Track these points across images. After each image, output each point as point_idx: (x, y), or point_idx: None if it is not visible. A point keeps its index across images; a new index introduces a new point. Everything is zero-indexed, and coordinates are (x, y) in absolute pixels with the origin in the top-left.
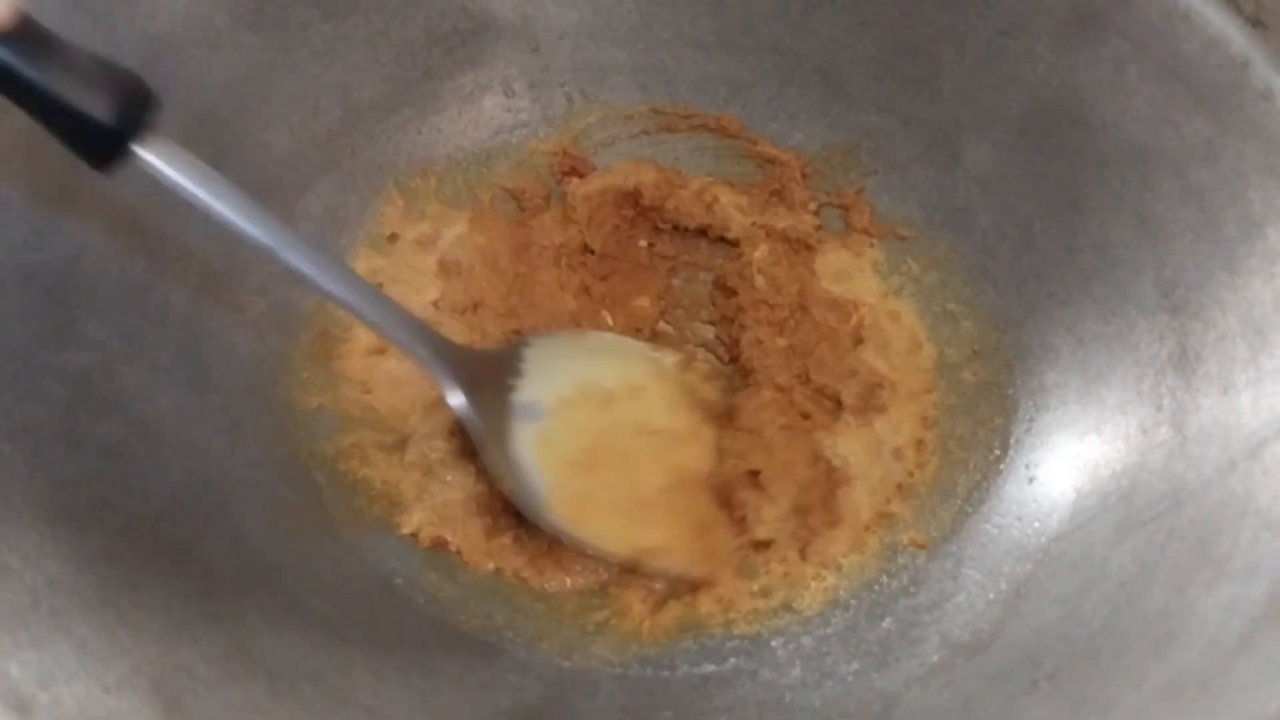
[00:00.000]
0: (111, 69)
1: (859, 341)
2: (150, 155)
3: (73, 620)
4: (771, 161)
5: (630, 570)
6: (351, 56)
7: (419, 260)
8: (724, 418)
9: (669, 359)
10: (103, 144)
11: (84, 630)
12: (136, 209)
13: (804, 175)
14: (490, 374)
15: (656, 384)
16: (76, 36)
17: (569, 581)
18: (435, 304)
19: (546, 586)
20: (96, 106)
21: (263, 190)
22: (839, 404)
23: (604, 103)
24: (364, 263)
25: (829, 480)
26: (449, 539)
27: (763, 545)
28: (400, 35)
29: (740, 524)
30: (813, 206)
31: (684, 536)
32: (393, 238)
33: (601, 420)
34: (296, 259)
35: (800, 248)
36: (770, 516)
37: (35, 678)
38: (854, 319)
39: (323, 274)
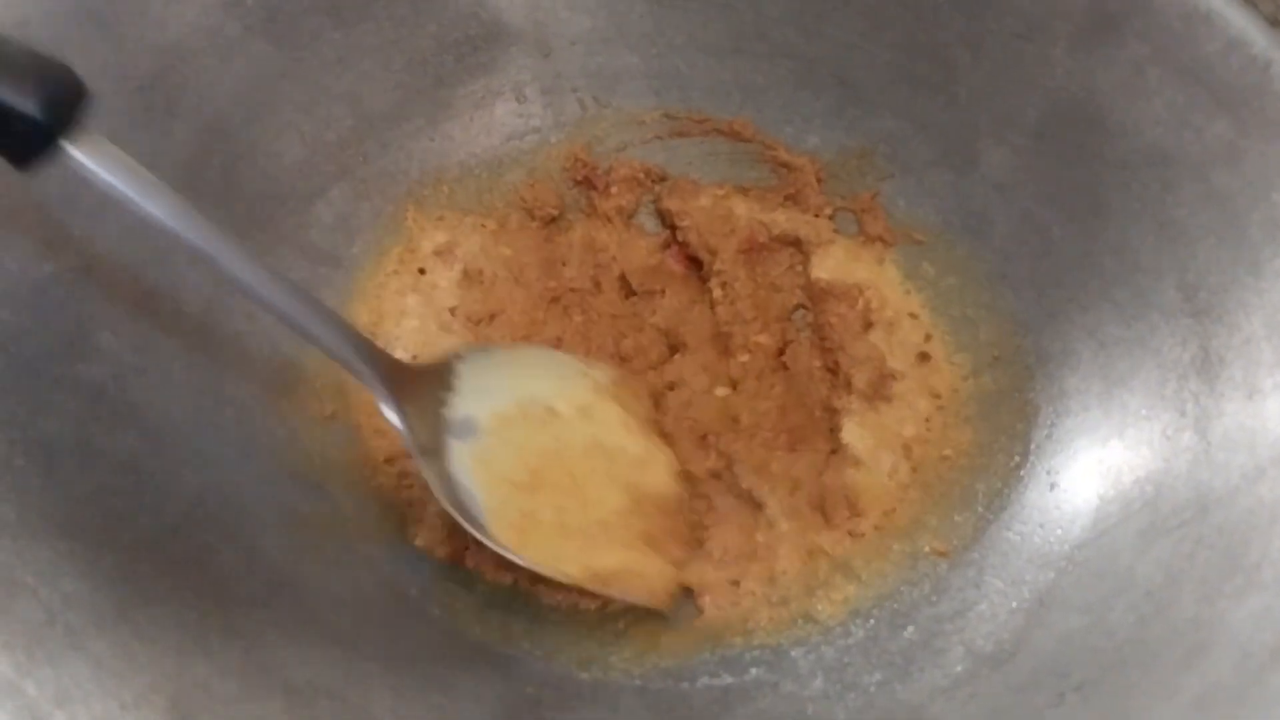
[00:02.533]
0: (40, 60)
1: (869, 325)
2: (80, 153)
3: (89, 637)
4: (786, 166)
5: (590, 595)
6: (363, 64)
7: (438, 269)
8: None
9: (604, 375)
10: (29, 140)
11: (100, 647)
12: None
13: (819, 180)
14: (424, 388)
15: (606, 402)
16: (86, 46)
17: (592, 599)
18: (452, 311)
19: (562, 601)
20: (22, 99)
21: (274, 198)
22: (849, 385)
23: (617, 108)
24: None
25: (838, 462)
26: (466, 556)
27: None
28: (412, 43)
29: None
30: (828, 211)
31: (645, 559)
32: (421, 271)
33: (545, 438)
34: (231, 263)
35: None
36: (777, 508)
37: (52, 696)
38: (860, 302)
39: (256, 279)
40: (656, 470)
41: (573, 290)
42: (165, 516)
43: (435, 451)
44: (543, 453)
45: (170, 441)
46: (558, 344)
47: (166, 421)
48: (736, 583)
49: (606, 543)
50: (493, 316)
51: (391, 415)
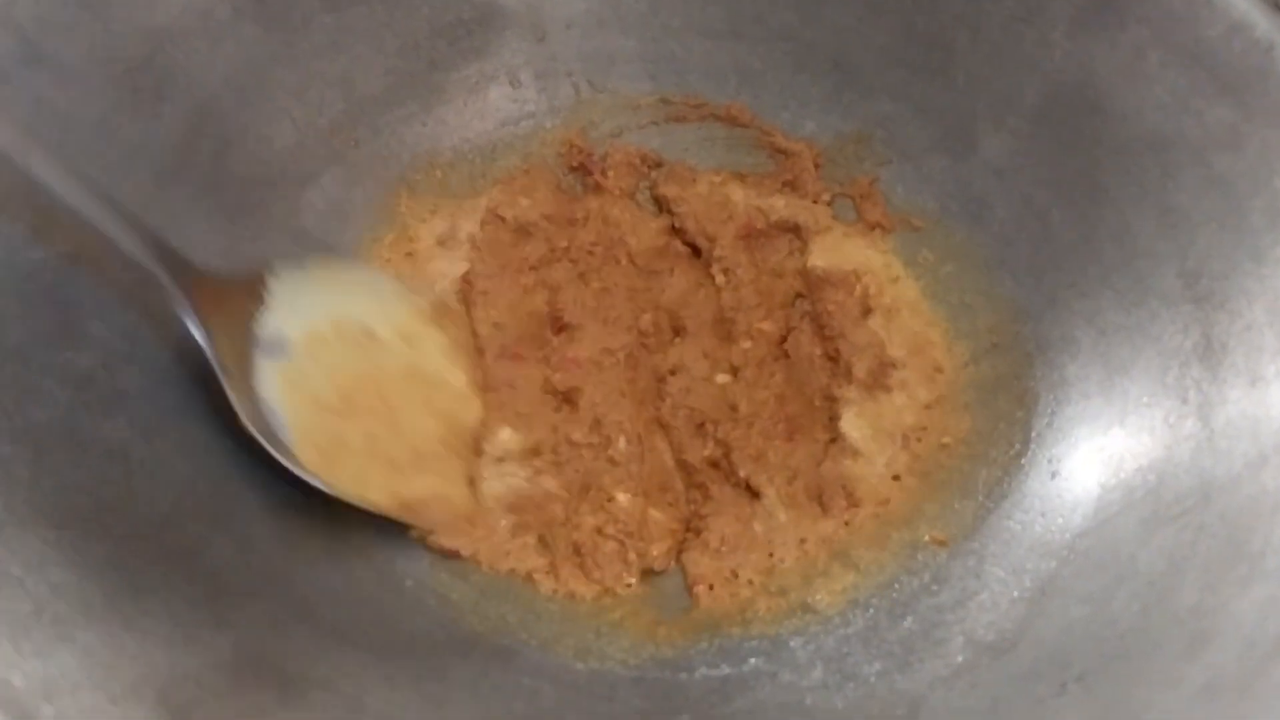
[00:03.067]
0: None
1: (867, 311)
2: None
3: (77, 628)
4: (783, 152)
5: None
6: (355, 48)
7: (439, 258)
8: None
9: (427, 301)
10: None
11: (89, 638)
12: (134, 202)
13: (816, 165)
14: (233, 301)
15: (429, 328)
16: (74, 28)
17: (588, 588)
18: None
19: (562, 591)
20: None
21: (265, 183)
22: (849, 374)
23: (612, 92)
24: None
25: (836, 452)
26: (461, 549)
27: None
28: (404, 26)
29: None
30: (826, 197)
31: (451, 485)
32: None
33: (360, 361)
34: (22, 157)
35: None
36: (775, 498)
37: (39, 689)
38: (858, 288)
39: (50, 173)
40: (471, 404)
41: (590, 254)
42: (155, 505)
43: (242, 370)
44: (357, 376)
45: (160, 430)
46: (575, 311)
47: (156, 410)
48: (734, 573)
49: (416, 470)
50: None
51: (194, 328)
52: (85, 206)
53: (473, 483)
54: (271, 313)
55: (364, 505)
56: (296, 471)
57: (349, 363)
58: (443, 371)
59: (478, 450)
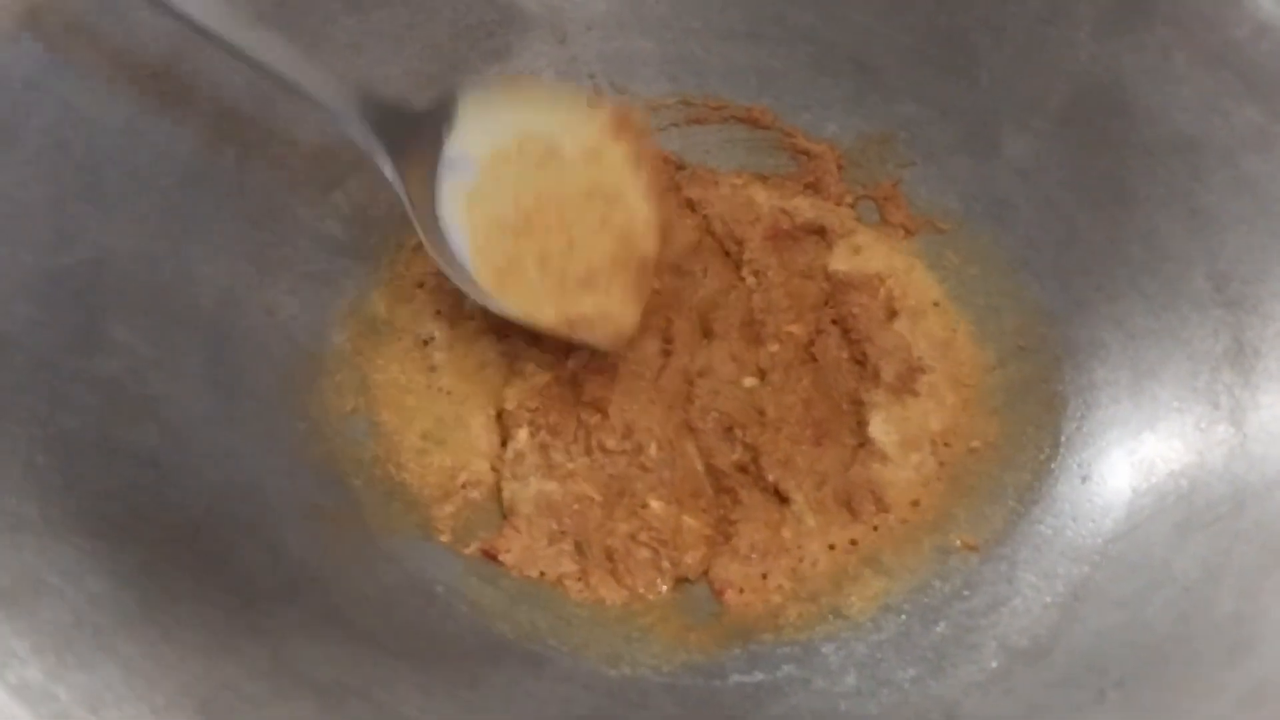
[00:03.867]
0: None
1: (893, 314)
2: None
3: (117, 639)
4: (805, 154)
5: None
6: (376, 51)
7: None
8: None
9: (605, 111)
10: None
11: (129, 649)
12: (159, 207)
13: (839, 167)
14: (420, 128)
15: (611, 143)
16: (99, 33)
17: (616, 593)
18: None
19: (591, 597)
20: None
21: (290, 188)
22: (876, 377)
23: (633, 94)
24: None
25: (864, 456)
26: (500, 550)
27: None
28: (426, 28)
29: None
30: (849, 200)
31: (618, 303)
32: None
33: (542, 180)
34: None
35: (809, 240)
36: (803, 503)
37: (84, 701)
38: (882, 291)
39: (232, 27)
40: (648, 225)
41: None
42: (188, 512)
43: (427, 197)
44: (538, 194)
45: (190, 436)
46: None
47: (185, 416)
48: (764, 578)
49: (586, 289)
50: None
51: (384, 166)
52: (275, 59)
53: (638, 299)
54: (458, 134)
55: (530, 323)
56: (474, 295)
57: (531, 181)
58: (622, 187)
59: (649, 266)
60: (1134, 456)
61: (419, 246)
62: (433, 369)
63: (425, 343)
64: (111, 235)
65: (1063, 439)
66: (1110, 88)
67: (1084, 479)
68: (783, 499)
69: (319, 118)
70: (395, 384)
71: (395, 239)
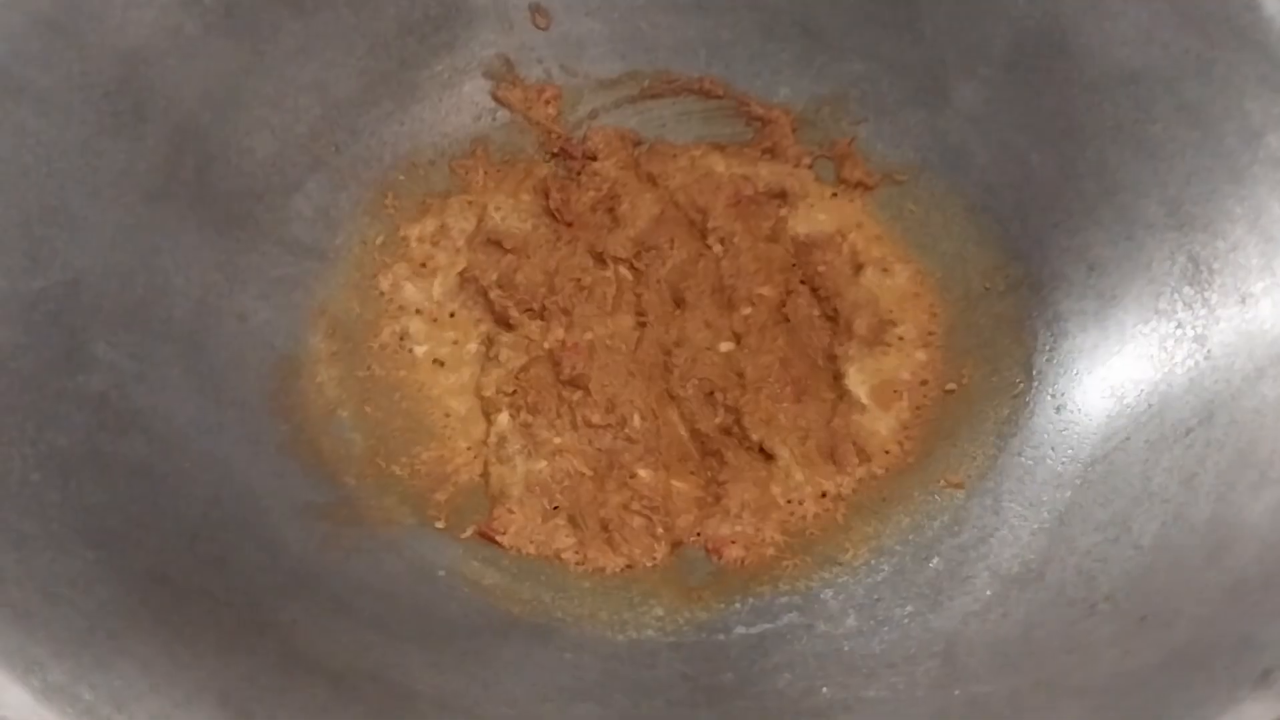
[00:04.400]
0: None
1: (859, 268)
2: None
3: (131, 641)
4: (760, 119)
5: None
6: (325, 53)
7: (437, 254)
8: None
9: None
10: None
11: (144, 650)
12: (125, 223)
13: (794, 130)
14: None
15: None
16: (50, 56)
17: (614, 561)
18: (461, 274)
19: (590, 567)
20: None
21: (251, 195)
22: (849, 331)
23: (585, 75)
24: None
25: (844, 409)
26: (496, 532)
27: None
28: (372, 27)
29: None
30: (807, 161)
31: None
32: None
33: None
34: None
35: (771, 204)
36: (789, 459)
37: (108, 699)
38: (845, 247)
39: None
40: None
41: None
42: (184, 519)
43: None
44: None
45: (178, 446)
46: (586, 297)
47: (171, 426)
48: (758, 532)
49: None
50: (514, 273)
51: None
52: None
53: None
54: None
55: None
56: None
57: None
58: None
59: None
60: (1105, 382)
61: (384, 244)
62: (411, 362)
63: (401, 337)
64: (82, 255)
65: (1035, 372)
66: (1050, 29)
67: (1059, 409)
68: (768, 456)
69: (274, 123)
70: (374, 379)
71: (359, 237)
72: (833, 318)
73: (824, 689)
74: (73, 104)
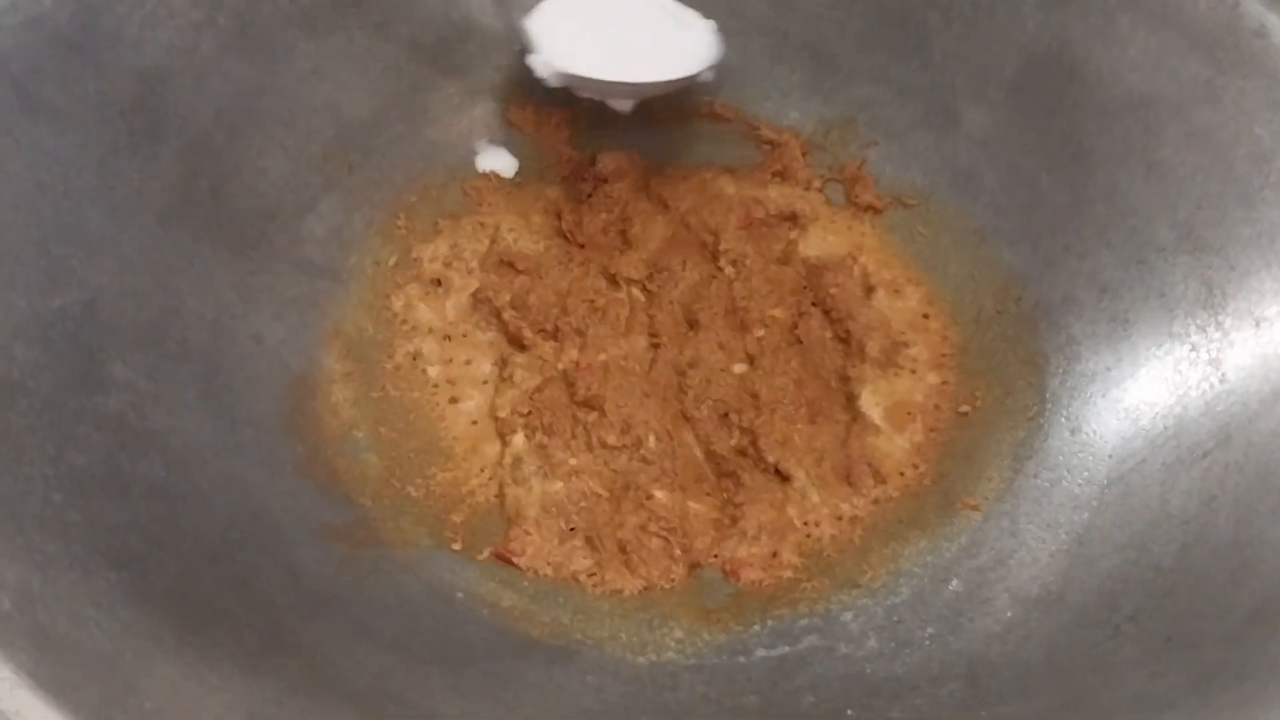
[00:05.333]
0: None
1: (870, 290)
2: None
3: (157, 662)
4: (770, 143)
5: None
6: (338, 75)
7: (450, 275)
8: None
9: None
10: None
11: (170, 671)
12: (141, 243)
13: (804, 153)
14: None
15: None
16: (68, 75)
17: (635, 584)
18: (474, 295)
19: (608, 589)
20: None
21: (265, 215)
22: (861, 353)
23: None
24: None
25: (859, 431)
26: (513, 553)
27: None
28: (385, 49)
29: None
30: (817, 184)
31: None
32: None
33: None
34: None
35: (782, 226)
36: (805, 480)
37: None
38: (856, 269)
39: None
40: None
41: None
42: (203, 541)
43: None
44: None
45: (195, 467)
46: (600, 318)
47: (188, 447)
48: (775, 554)
49: None
50: (528, 294)
51: None
52: None
53: None
54: None
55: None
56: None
57: None
58: None
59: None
60: (1120, 405)
61: (397, 265)
62: (424, 383)
63: (414, 357)
64: (99, 274)
65: (1048, 395)
66: (1060, 54)
67: (1073, 431)
68: (784, 478)
69: (287, 144)
70: (389, 400)
71: (372, 258)
72: (845, 339)
73: (848, 711)
74: (89, 123)
